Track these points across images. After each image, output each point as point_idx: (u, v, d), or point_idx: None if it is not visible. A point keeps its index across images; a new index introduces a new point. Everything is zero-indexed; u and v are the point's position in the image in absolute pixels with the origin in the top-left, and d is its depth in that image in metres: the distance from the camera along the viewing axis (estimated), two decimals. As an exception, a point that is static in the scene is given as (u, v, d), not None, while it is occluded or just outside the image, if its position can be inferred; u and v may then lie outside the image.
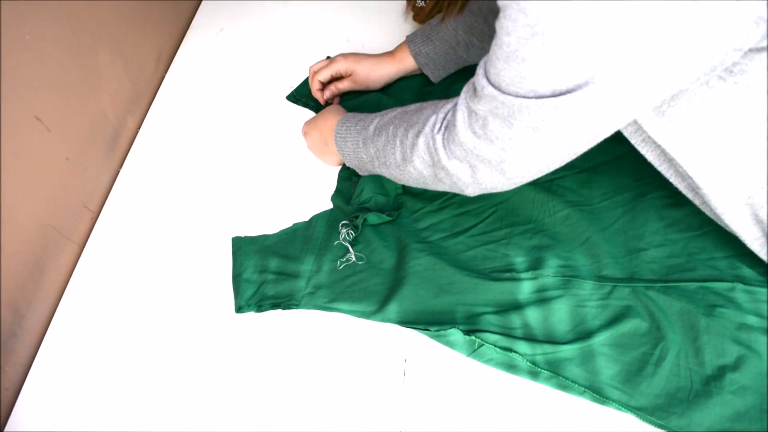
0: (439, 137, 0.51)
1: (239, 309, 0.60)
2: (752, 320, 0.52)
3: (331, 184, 0.71)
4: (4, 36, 0.56)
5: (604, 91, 0.39)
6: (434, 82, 0.77)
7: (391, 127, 0.57)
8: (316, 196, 0.70)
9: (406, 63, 0.76)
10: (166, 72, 0.89)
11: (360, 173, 0.67)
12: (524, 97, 0.40)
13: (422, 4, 0.86)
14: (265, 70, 0.87)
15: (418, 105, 0.57)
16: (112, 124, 0.77)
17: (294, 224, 0.67)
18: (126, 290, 0.65)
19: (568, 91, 0.39)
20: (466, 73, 0.81)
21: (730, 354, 0.51)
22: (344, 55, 0.75)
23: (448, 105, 0.52)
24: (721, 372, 0.50)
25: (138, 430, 0.54)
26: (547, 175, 0.50)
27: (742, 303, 0.53)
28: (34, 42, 0.61)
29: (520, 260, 0.59)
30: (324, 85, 0.77)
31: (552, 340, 0.54)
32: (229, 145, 0.78)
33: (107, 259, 0.68)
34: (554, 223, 0.62)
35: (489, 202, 0.64)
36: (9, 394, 0.58)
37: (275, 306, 0.60)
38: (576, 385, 0.51)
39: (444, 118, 0.51)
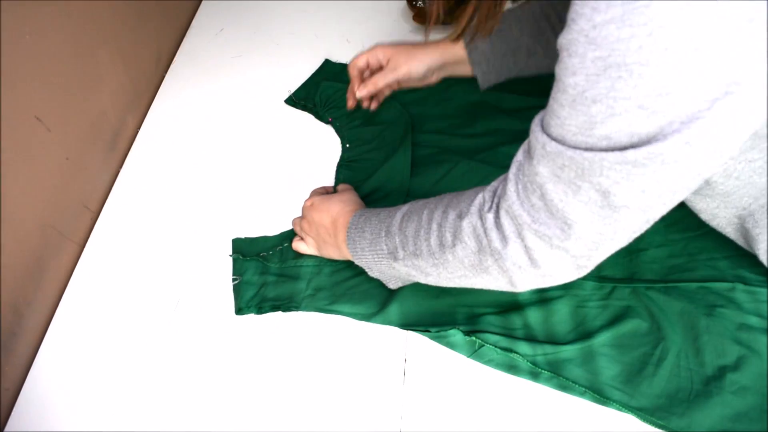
0: (490, 216, 0.43)
1: (239, 311, 0.60)
2: (753, 320, 0.52)
3: (331, 185, 0.71)
4: (4, 36, 0.56)
5: (697, 133, 0.32)
6: (480, 89, 0.68)
7: (425, 211, 0.50)
8: (316, 196, 0.70)
9: (454, 51, 0.66)
10: (166, 72, 0.89)
11: (371, 274, 0.58)
12: (595, 149, 0.35)
13: (421, 4, 0.86)
14: (265, 70, 0.87)
15: (455, 193, 0.50)
16: (112, 124, 0.77)
17: (294, 224, 0.67)
18: (126, 290, 0.65)
19: (651, 140, 0.33)
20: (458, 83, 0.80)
21: (731, 354, 0.50)
22: (381, 45, 0.68)
23: (495, 182, 0.45)
24: (721, 372, 0.50)
25: (138, 430, 0.54)
26: None
27: (743, 303, 0.53)
28: (34, 42, 0.60)
29: (520, 260, 0.59)
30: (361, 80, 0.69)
31: (553, 341, 0.54)
32: (230, 145, 0.78)
33: (107, 259, 0.68)
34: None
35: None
36: (9, 394, 0.58)
37: (275, 308, 0.60)
38: (577, 386, 0.51)
39: (493, 195, 0.44)
